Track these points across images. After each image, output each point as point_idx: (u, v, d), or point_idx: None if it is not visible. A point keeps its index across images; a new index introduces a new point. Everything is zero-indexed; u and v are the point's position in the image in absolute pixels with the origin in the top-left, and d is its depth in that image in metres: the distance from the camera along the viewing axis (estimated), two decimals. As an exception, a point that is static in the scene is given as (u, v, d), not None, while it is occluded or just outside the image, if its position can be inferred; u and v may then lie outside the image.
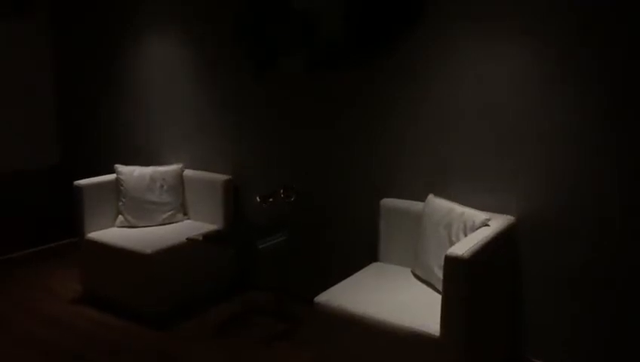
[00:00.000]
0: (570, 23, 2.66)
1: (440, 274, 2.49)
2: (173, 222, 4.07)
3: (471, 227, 2.65)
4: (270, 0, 3.66)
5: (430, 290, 2.81)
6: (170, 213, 4.07)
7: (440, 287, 2.46)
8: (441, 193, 3.04)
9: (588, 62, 2.63)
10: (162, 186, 4.06)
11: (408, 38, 3.16)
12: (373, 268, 3.16)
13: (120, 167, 4.08)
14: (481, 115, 2.97)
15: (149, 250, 3.49)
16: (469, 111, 3.02)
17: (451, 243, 2.62)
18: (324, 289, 2.80)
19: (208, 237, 3.54)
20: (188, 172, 4.23)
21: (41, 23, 5.05)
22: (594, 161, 2.67)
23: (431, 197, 3.01)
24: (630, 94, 2.55)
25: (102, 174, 4.07)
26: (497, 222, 2.73)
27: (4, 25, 4.76)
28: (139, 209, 3.99)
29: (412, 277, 3.00)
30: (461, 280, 2.31)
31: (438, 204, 2.92)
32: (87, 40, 4.95)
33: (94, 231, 3.87)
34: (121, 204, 4.01)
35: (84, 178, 3.94)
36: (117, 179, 4.04)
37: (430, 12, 3.07)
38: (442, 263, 2.36)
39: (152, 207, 4.01)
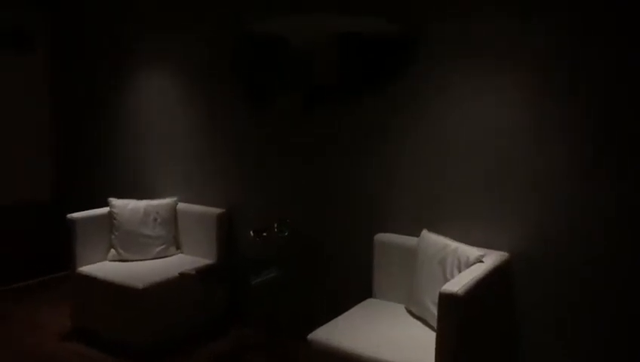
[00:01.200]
0: (562, 66, 2.72)
1: (434, 310, 2.47)
2: (165, 256, 4.04)
3: (465, 263, 2.64)
4: (267, 39, 3.73)
5: (425, 327, 2.78)
6: (162, 246, 4.04)
7: (435, 324, 2.44)
8: (436, 228, 3.04)
9: (578, 103, 2.68)
10: (156, 220, 4.05)
11: (400, 77, 3.22)
12: (367, 304, 3.13)
13: (114, 201, 4.06)
14: (473, 152, 3.00)
15: (140, 285, 3.45)
16: (461, 149, 3.04)
17: (446, 280, 2.61)
18: (318, 326, 2.77)
19: (201, 272, 3.51)
20: (182, 205, 4.22)
21: (41, 58, 5.10)
22: (586, 199, 2.68)
23: (425, 232, 3.01)
24: (618, 135, 2.58)
25: (96, 208, 4.05)
26: (491, 259, 2.73)
27: (3, 59, 4.80)
28: (132, 242, 3.97)
29: (406, 313, 2.97)
30: (455, 317, 2.30)
31: (432, 240, 2.92)
32: (86, 75, 4.99)
33: (86, 265, 3.84)
34: (113, 237, 3.98)
35: (78, 211, 3.91)
36: (110, 213, 4.02)
37: (422, 52, 3.12)
38: (437, 300, 2.34)
39: (145, 240, 3.99)
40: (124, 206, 4.04)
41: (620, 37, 2.56)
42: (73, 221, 3.84)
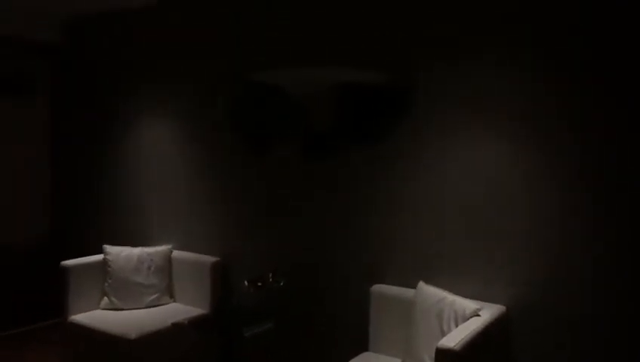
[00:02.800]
0: (550, 115, 2.77)
1: (431, 366, 2.43)
2: (159, 305, 3.99)
3: (462, 316, 2.62)
4: (265, 88, 3.79)
5: (421, 382, 2.73)
6: (156, 295, 3.99)
7: (431, 380, 2.40)
8: (432, 280, 3.03)
9: (571, 155, 2.72)
10: (150, 268, 4.02)
11: (396, 127, 3.26)
12: (363, 358, 3.08)
13: (108, 248, 4.04)
14: (469, 203, 3.02)
15: (132, 335, 3.40)
16: (457, 200, 3.06)
17: (442, 334, 2.58)
18: (313, 380, 2.72)
19: (194, 322, 3.47)
20: (176, 253, 4.19)
21: (40, 105, 5.15)
22: (582, 251, 2.69)
23: (422, 284, 2.99)
24: (613, 186, 2.62)
25: (90, 252, 4.03)
26: (488, 312, 2.71)
27: (3, 104, 4.86)
28: (125, 290, 3.92)
29: (403, 367, 2.93)
30: (453, 374, 2.26)
31: (429, 292, 2.90)
32: (84, 121, 5.04)
33: (77, 313, 3.78)
34: (106, 285, 3.94)
35: (72, 255, 3.90)
36: (104, 260, 3.99)
37: (419, 103, 3.18)
38: (433, 354, 2.31)
39: (138, 288, 3.94)
40: (118, 253, 4.01)
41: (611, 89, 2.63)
42: (66, 269, 3.81)
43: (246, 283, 3.47)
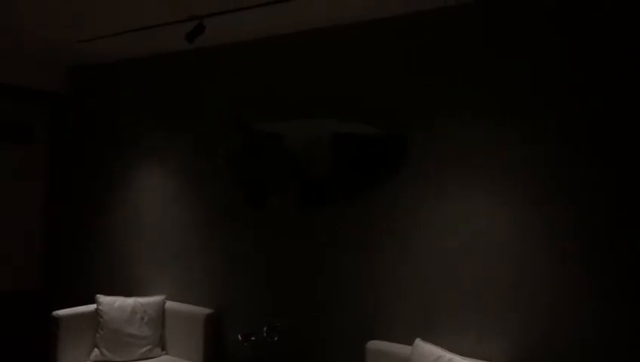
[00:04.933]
0: (543, 173, 2.80)
1: None
2: (150, 357, 3.91)
3: (459, 377, 2.58)
4: (262, 137, 3.84)
5: None
6: (148, 347, 3.92)
7: None
8: (429, 336, 2.99)
9: (559, 206, 2.74)
10: (143, 318, 3.96)
11: (392, 180, 3.29)
12: (358, 416, 3.00)
13: (101, 298, 3.99)
14: (466, 259, 3.01)
15: (122, 390, 3.32)
16: (452, 257, 3.06)
17: (439, 394, 2.53)
18: None
19: (186, 376, 3.39)
20: (170, 304, 4.14)
21: (38, 150, 5.19)
22: (581, 307, 2.67)
23: (418, 341, 2.95)
24: (606, 239, 2.63)
25: (83, 301, 3.98)
26: (486, 372, 2.66)
27: (2, 150, 4.89)
28: (116, 342, 3.85)
29: None
30: None
31: (426, 350, 2.86)
32: (82, 168, 5.06)
33: (67, 365, 3.70)
34: (98, 336, 3.87)
35: (65, 305, 3.84)
36: (97, 310, 3.93)
37: (413, 156, 3.22)
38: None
39: (130, 340, 3.87)
40: (111, 303, 3.96)
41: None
42: (58, 319, 3.75)
43: (240, 337, 3.42)
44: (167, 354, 4.01)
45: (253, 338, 3.43)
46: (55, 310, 3.83)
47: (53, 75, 5.09)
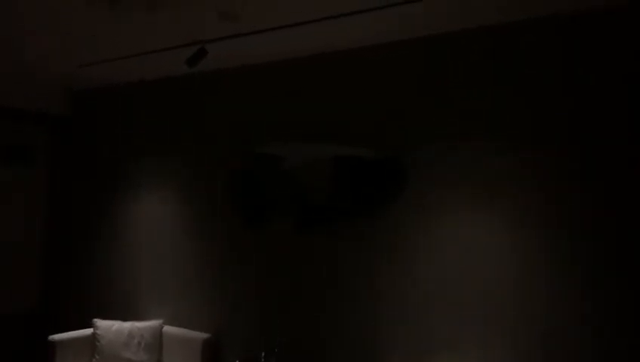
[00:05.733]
0: (543, 198, 2.81)
1: None
2: (147, 383, 3.87)
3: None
4: (262, 161, 3.84)
5: None
6: (144, 372, 3.88)
7: None
8: (429, 359, 2.97)
9: (562, 239, 2.74)
10: (140, 343, 3.92)
11: (392, 203, 3.29)
12: None
13: (98, 322, 3.96)
14: (465, 284, 3.00)
15: (117, 417, 3.27)
16: (452, 282, 3.05)
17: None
18: None
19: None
20: (167, 328, 4.10)
21: (39, 174, 5.19)
22: (582, 331, 2.65)
23: (416, 369, 2.93)
24: (603, 272, 2.62)
25: (80, 325, 3.95)
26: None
27: (2, 171, 4.90)
28: (112, 367, 3.81)
29: None
30: None
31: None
32: (82, 192, 5.06)
33: (62, 391, 3.66)
34: (94, 360, 3.83)
35: (62, 327, 3.81)
36: (94, 334, 3.90)
37: (413, 180, 3.23)
38: None
39: (126, 365, 3.84)
40: (108, 327, 3.93)
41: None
42: (54, 343, 3.72)
43: (237, 363, 3.39)
44: (163, 379, 3.97)
45: (250, 364, 3.40)
46: (51, 334, 3.80)
47: (54, 99, 5.12)
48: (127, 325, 3.99)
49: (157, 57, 3.84)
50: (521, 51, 2.95)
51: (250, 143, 3.93)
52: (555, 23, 2.86)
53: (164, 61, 3.97)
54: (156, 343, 4.00)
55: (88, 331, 3.94)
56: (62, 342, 3.75)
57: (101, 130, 4.98)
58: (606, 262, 2.64)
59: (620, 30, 2.70)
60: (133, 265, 4.57)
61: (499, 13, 2.89)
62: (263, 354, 3.43)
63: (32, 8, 3.10)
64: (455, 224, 3.06)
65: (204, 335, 3.87)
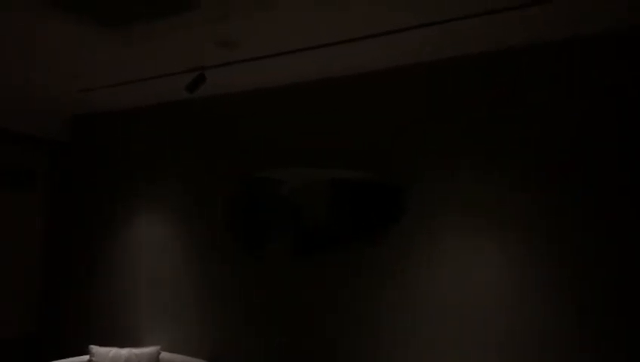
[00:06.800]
0: (544, 229, 2.81)
1: None
2: (143, 411, 3.81)
3: None
4: (261, 186, 3.85)
5: None
6: (141, 400, 3.83)
7: None
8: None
9: (556, 263, 2.73)
10: (137, 370, 3.88)
11: (392, 228, 3.29)
12: None
13: (95, 348, 3.91)
14: (465, 312, 2.99)
15: None
16: (452, 309, 3.04)
17: None
18: None
19: None
20: (165, 355, 4.05)
21: (37, 198, 5.19)
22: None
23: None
24: (601, 301, 2.61)
25: (77, 349, 3.90)
26: None
27: (1, 195, 4.89)
28: (109, 395, 3.76)
29: None
30: None
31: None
32: (80, 218, 5.05)
33: (57, 419, 3.60)
34: (90, 388, 3.79)
35: (58, 352, 3.77)
36: (90, 361, 3.85)
37: (413, 205, 3.23)
38: None
39: (123, 393, 3.78)
40: (105, 354, 3.88)
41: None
42: (50, 371, 3.67)
43: (235, 390, 3.35)
44: (160, 407, 3.92)
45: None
46: (49, 359, 3.76)
47: (53, 123, 5.14)
48: (124, 352, 3.94)
49: (157, 83, 3.88)
50: (522, 77, 2.98)
51: (249, 168, 3.94)
52: (555, 49, 2.89)
53: (163, 87, 4.00)
54: (153, 370, 3.95)
55: (84, 358, 3.90)
56: (58, 369, 3.70)
57: (100, 155, 4.99)
58: (604, 290, 2.63)
59: (623, 55, 2.73)
60: (131, 291, 4.53)
61: (500, 39, 2.93)
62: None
63: (33, 35, 3.13)
64: (455, 250, 3.06)
65: (202, 362, 3.84)
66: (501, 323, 2.87)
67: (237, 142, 4.07)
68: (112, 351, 3.93)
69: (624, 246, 2.61)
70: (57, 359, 3.84)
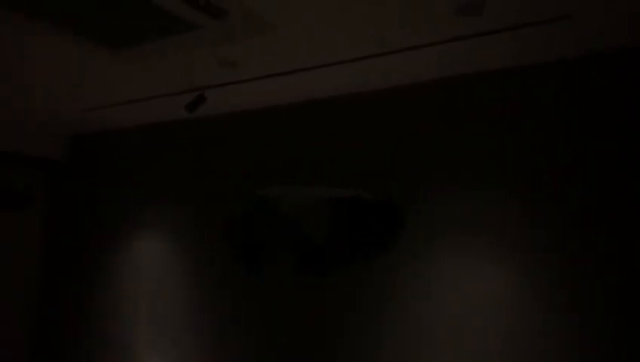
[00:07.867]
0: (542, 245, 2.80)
1: None
2: None
3: None
4: (261, 207, 3.84)
5: None
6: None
7: None
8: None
9: (559, 281, 2.72)
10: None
11: (391, 249, 3.27)
12: None
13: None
14: (464, 330, 2.97)
15: None
16: (452, 327, 3.01)
17: None
18: None
19: None
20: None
21: (37, 217, 5.18)
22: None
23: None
24: (602, 321, 2.60)
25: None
26: None
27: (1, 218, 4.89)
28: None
29: None
30: None
31: None
32: (79, 238, 5.03)
33: None
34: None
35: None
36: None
37: (412, 225, 3.22)
38: None
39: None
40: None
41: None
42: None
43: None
44: None
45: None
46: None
47: (52, 144, 5.16)
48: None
49: (157, 103, 3.89)
50: (522, 97, 2.99)
51: (248, 188, 3.93)
52: (562, 68, 2.91)
53: (163, 106, 4.01)
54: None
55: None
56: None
57: (100, 175, 5.00)
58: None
59: (625, 74, 2.74)
60: (130, 314, 4.50)
61: (501, 59, 2.94)
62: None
63: (33, 55, 3.15)
64: (454, 271, 3.05)
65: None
66: (501, 343, 2.84)
67: (237, 161, 4.07)
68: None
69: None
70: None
